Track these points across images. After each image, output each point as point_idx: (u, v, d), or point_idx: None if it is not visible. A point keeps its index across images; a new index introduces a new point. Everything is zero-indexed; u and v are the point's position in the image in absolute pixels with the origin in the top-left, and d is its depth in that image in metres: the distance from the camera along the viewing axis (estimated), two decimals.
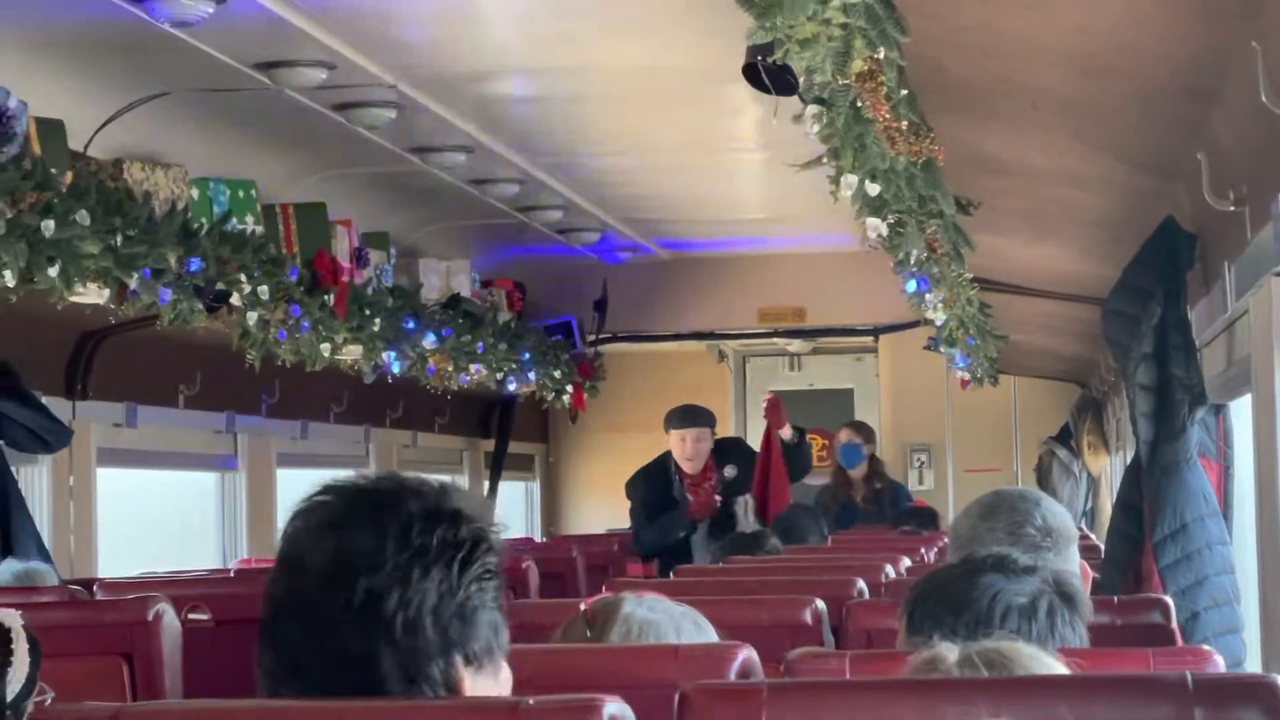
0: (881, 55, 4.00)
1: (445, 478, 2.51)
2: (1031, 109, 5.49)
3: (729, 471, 10.88)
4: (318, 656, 2.33)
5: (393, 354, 9.58)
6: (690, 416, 10.97)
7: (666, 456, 10.96)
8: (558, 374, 12.73)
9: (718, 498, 10.80)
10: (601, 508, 13.10)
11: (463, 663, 2.36)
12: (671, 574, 6.50)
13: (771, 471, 10.78)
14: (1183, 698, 2.45)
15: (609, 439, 14.01)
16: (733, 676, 3.20)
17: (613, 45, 7.32)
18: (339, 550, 2.33)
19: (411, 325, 9.80)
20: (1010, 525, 3.96)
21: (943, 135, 5.18)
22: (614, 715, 2.31)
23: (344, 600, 2.32)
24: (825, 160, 5.16)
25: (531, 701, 2.33)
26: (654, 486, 10.88)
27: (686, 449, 10.85)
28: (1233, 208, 5.11)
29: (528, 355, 12.01)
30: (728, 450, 11.11)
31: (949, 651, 2.59)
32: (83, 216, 6.30)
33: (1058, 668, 2.64)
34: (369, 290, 9.33)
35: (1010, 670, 2.57)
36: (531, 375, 12.15)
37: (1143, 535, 6.33)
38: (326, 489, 2.41)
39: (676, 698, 2.52)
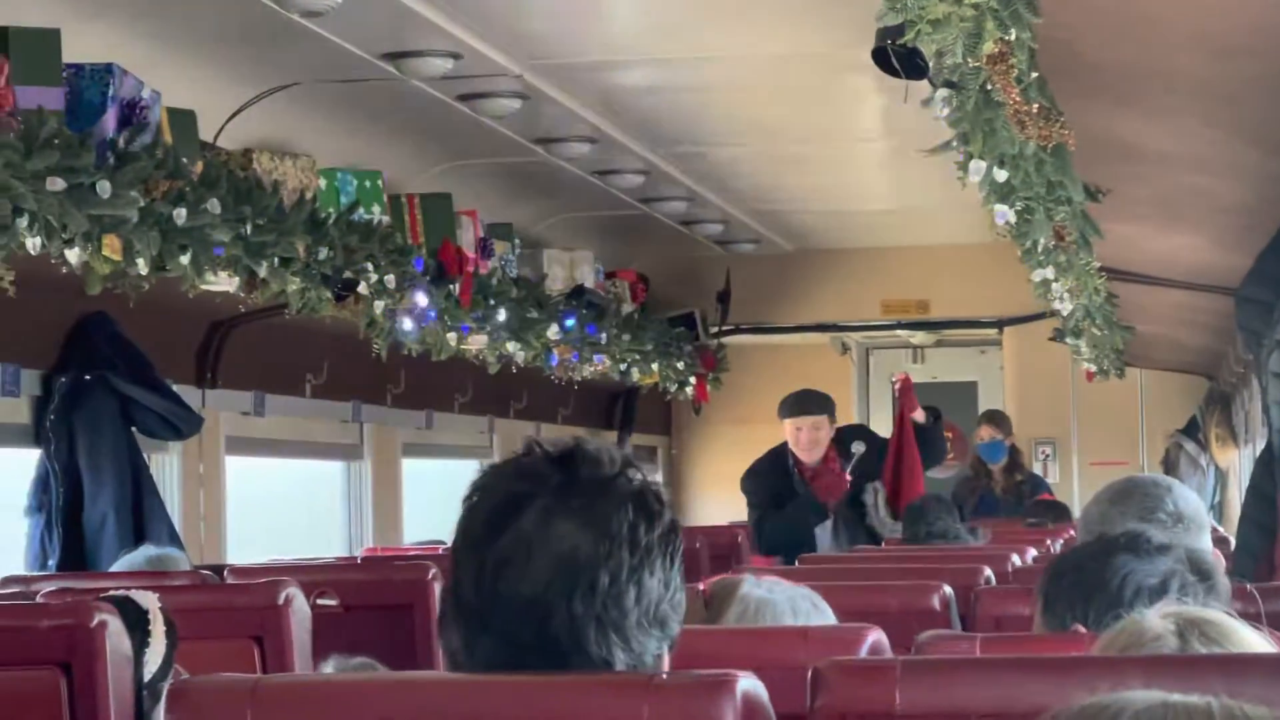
0: (1013, 37, 3.97)
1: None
2: (1164, 93, 5.43)
3: (856, 447, 10.00)
4: (549, 656, 2.36)
5: (517, 344, 9.62)
6: (805, 403, 10.01)
7: (783, 448, 10.07)
8: (680, 365, 12.73)
9: (847, 476, 9.92)
10: (724, 500, 13.06)
11: (668, 646, 2.42)
12: (796, 562, 6.49)
13: (904, 457, 10.03)
14: None
15: (731, 431, 13.97)
16: (863, 656, 3.19)
17: (736, 34, 7.31)
18: (572, 553, 2.35)
19: (535, 316, 9.84)
20: (1142, 510, 3.93)
21: (1072, 120, 5.13)
22: (747, 691, 2.31)
23: (583, 602, 2.35)
24: (954, 145, 5.13)
25: (665, 676, 2.33)
26: (772, 481, 10.03)
27: (802, 439, 9.91)
28: None
29: (651, 346, 12.01)
30: (852, 436, 10.28)
31: (1158, 619, 2.56)
32: (213, 205, 6.36)
33: (1262, 644, 2.59)
34: (494, 280, 9.37)
35: (1224, 645, 2.53)
36: (655, 367, 12.15)
37: (1276, 524, 6.26)
38: (523, 476, 2.41)
39: (809, 675, 2.51)
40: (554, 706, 2.33)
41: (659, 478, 15.05)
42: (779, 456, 10.11)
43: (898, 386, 10.35)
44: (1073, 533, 8.97)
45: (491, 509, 2.40)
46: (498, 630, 2.37)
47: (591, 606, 2.35)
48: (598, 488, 2.40)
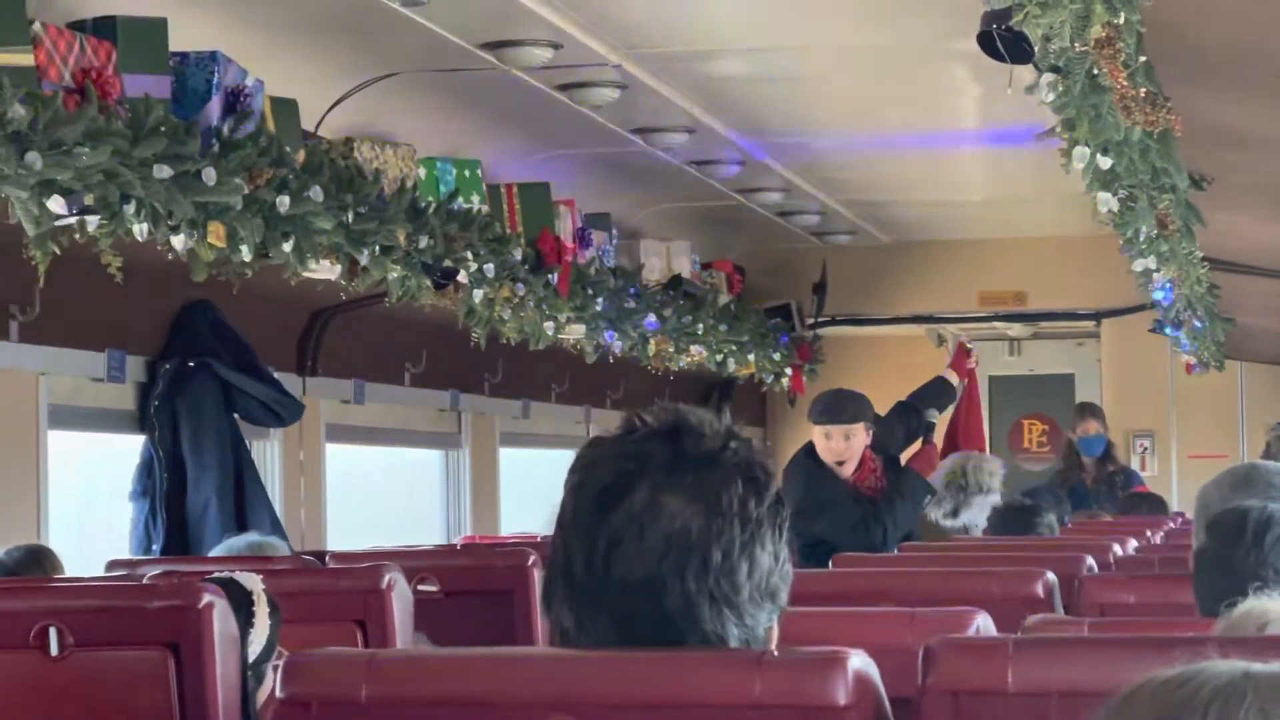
0: (1121, 20, 3.95)
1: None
2: (1272, 77, 5.38)
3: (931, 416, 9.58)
4: (666, 629, 2.36)
5: (614, 334, 9.63)
6: (836, 408, 9.06)
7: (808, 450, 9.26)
8: (776, 356, 12.72)
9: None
10: None
11: (778, 616, 2.43)
12: (896, 549, 6.47)
13: (970, 414, 10.13)
14: None
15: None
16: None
17: (833, 23, 7.29)
18: (685, 530, 2.35)
19: (633, 305, 9.85)
20: (1264, 499, 3.90)
21: (1178, 105, 5.10)
22: (858, 669, 2.31)
23: (696, 579, 2.34)
24: (1058, 131, 5.10)
25: (776, 654, 2.33)
26: (815, 480, 9.03)
27: (834, 448, 9.02)
28: None
29: (747, 337, 12.00)
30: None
31: (1276, 606, 2.54)
32: (316, 193, 6.40)
33: None
34: (591, 270, 9.38)
35: None
36: (751, 357, 12.14)
37: None
38: (625, 453, 2.41)
39: (921, 653, 2.51)
40: (665, 683, 2.34)
41: None
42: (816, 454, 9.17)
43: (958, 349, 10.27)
44: (1171, 525, 8.92)
45: (601, 488, 2.39)
46: (611, 608, 2.37)
47: (705, 583, 2.35)
48: (705, 462, 2.39)
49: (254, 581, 4.15)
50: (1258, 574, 3.15)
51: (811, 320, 13.48)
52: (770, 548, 2.40)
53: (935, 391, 10.23)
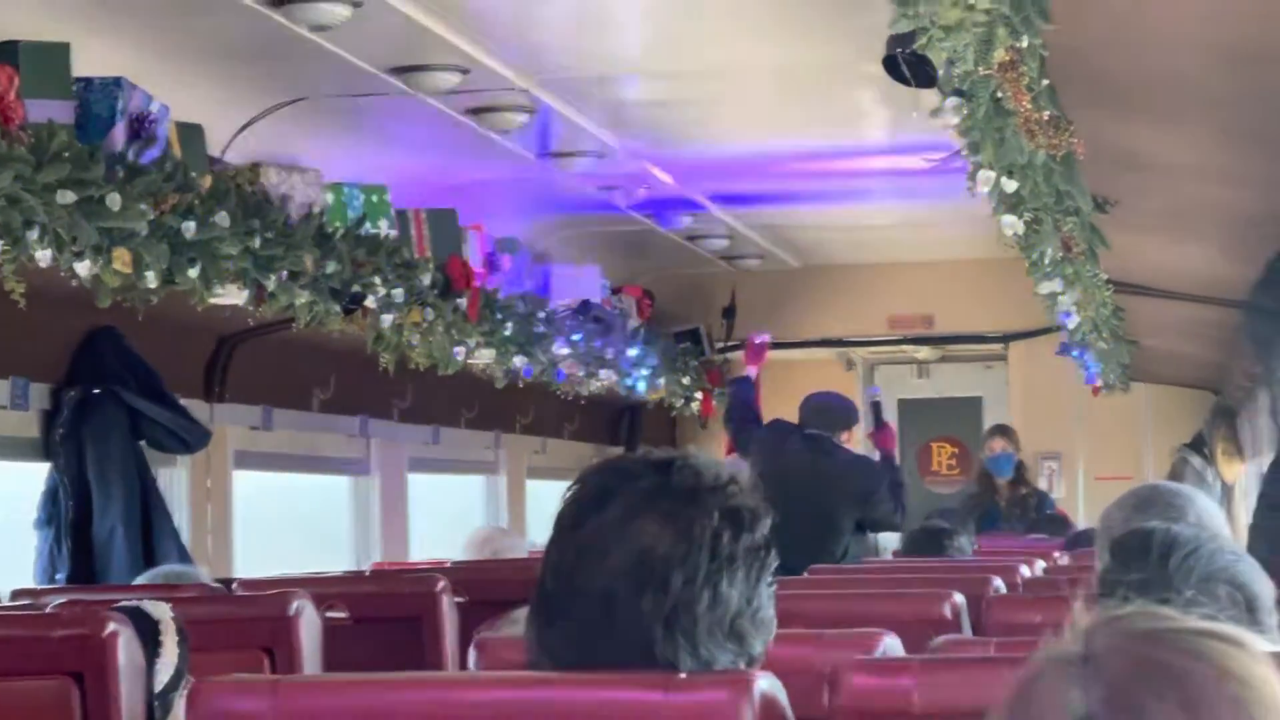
0: (1024, 44, 3.98)
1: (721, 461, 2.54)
2: (1174, 101, 5.44)
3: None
4: (617, 649, 2.36)
5: (524, 359, 9.63)
6: (821, 418, 10.45)
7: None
8: (686, 381, 12.74)
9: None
10: None
11: (745, 664, 2.41)
12: (806, 573, 6.48)
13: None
14: None
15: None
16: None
17: (740, 47, 7.31)
18: (649, 550, 2.36)
19: (542, 330, 9.84)
20: (1165, 520, 3.92)
21: (1081, 129, 5.14)
22: (765, 690, 2.32)
23: (653, 604, 2.34)
24: (963, 154, 5.13)
25: (683, 675, 2.33)
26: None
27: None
28: None
29: (657, 361, 12.02)
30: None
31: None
32: (222, 219, 6.38)
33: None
34: (500, 295, 9.37)
35: None
36: (660, 382, 12.16)
37: None
38: (617, 473, 2.44)
39: (828, 674, 2.52)
40: (571, 702, 2.34)
41: None
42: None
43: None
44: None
45: (580, 499, 2.43)
46: (571, 619, 2.38)
47: (661, 605, 2.35)
48: (688, 494, 2.40)
49: (161, 610, 4.11)
50: (1163, 596, 3.17)
51: (721, 344, 13.51)
52: (741, 588, 2.38)
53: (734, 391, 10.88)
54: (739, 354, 13.67)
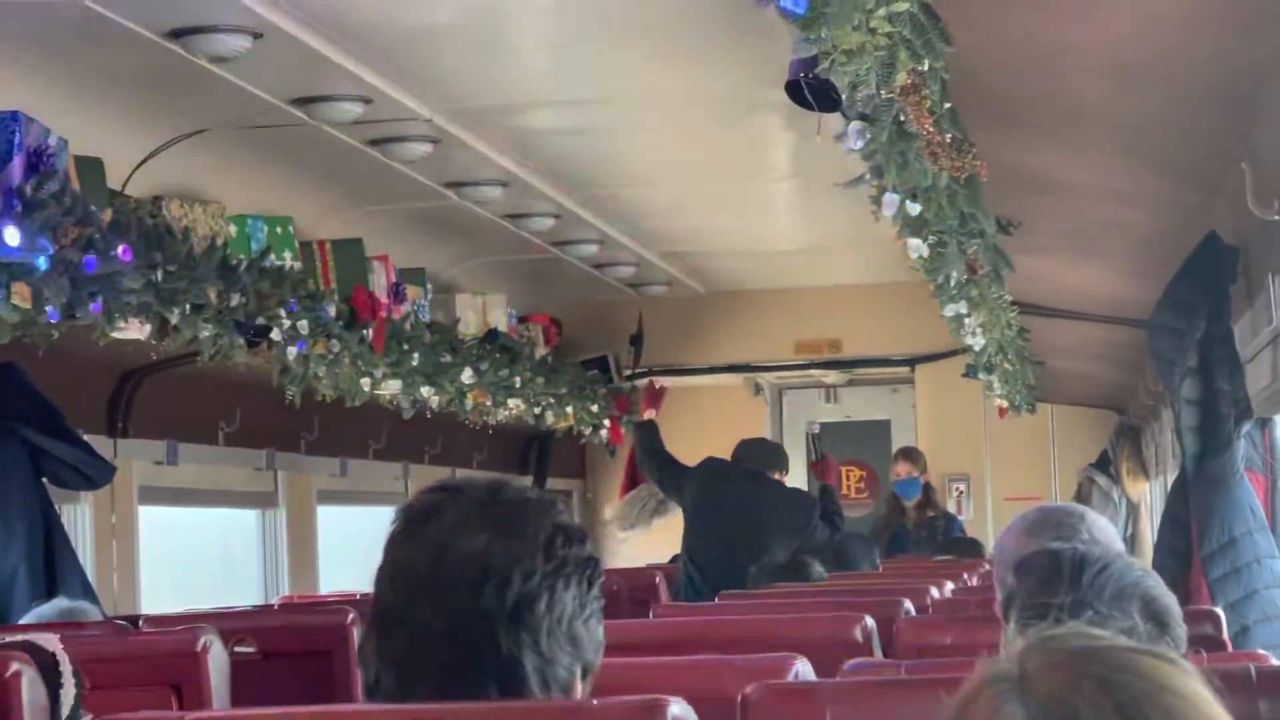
0: (926, 67, 3.99)
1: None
2: (1075, 123, 5.47)
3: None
4: (459, 649, 2.37)
5: (431, 389, 9.59)
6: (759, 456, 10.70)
7: None
8: (595, 409, 12.73)
9: None
10: (641, 542, 13.06)
11: (580, 673, 2.44)
12: (717, 598, 6.48)
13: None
14: (1247, 690, 2.44)
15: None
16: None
17: (642, 75, 7.32)
18: (491, 552, 2.39)
19: (449, 360, 9.81)
20: (1056, 541, 3.93)
21: (984, 151, 5.17)
22: (677, 716, 2.31)
23: (496, 601, 2.37)
24: (867, 178, 5.15)
25: (595, 703, 2.32)
26: None
27: None
28: (1277, 217, 5.09)
29: (565, 390, 12.00)
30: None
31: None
32: (124, 252, 6.32)
33: None
34: (407, 325, 9.34)
35: None
36: (569, 410, 12.14)
37: (1191, 550, 6.30)
38: (445, 489, 2.48)
39: (739, 700, 2.51)
40: None
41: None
42: None
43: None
44: (987, 566, 9.02)
45: (411, 516, 2.45)
46: (410, 626, 2.39)
47: (503, 604, 2.37)
48: (518, 505, 2.44)
49: (51, 640, 4.05)
50: (1076, 616, 3.17)
51: (629, 371, 13.51)
52: (575, 594, 2.42)
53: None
54: (647, 381, 13.70)
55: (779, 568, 7.85)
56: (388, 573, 2.43)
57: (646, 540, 12.79)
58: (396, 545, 2.45)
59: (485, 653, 2.36)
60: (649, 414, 11.47)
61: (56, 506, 7.44)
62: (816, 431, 12.40)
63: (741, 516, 10.18)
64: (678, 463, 10.91)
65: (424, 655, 2.38)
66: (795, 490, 11.30)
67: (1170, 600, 3.27)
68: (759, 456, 10.60)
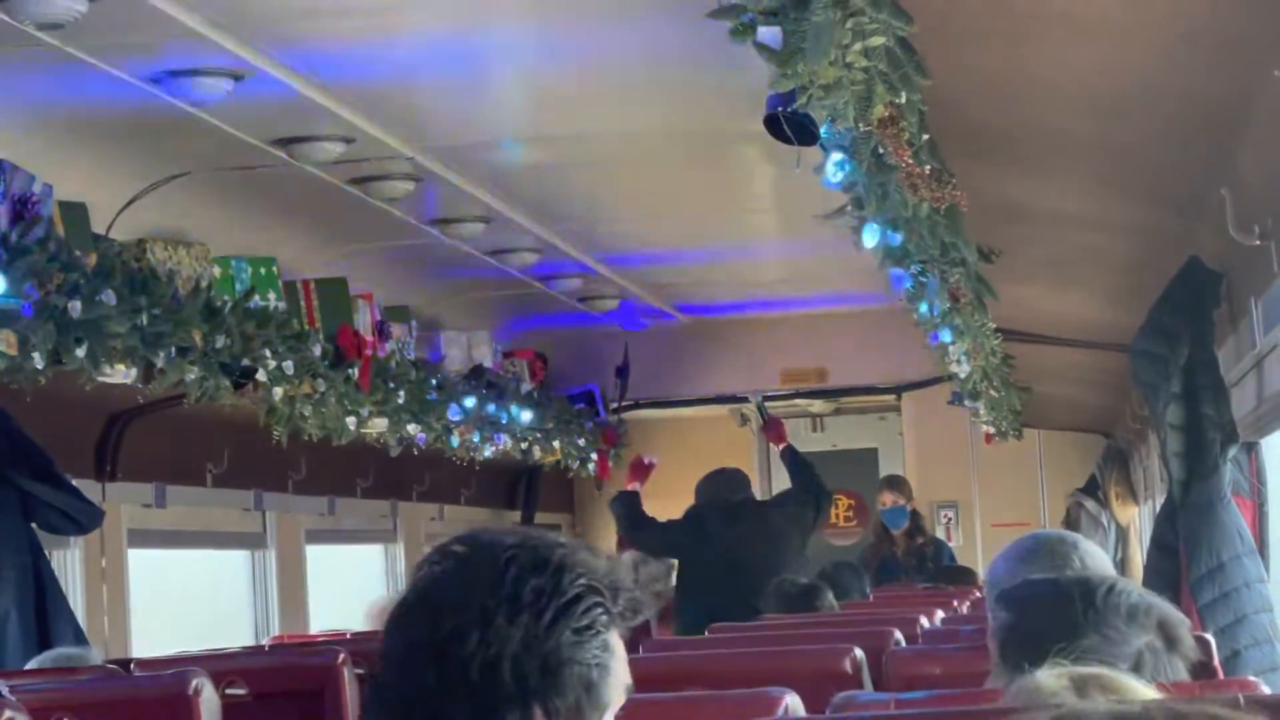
0: (903, 99, 4.01)
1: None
2: (1053, 152, 5.50)
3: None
4: (400, 689, 2.35)
5: (417, 426, 9.59)
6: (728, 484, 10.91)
7: None
8: (581, 442, 12.73)
9: None
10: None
11: (542, 715, 2.33)
12: (708, 631, 6.48)
13: None
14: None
15: None
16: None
17: (622, 109, 7.33)
18: (431, 588, 2.37)
19: (435, 397, 9.82)
20: (1049, 569, 3.94)
21: (964, 182, 5.19)
22: None
23: (429, 635, 2.32)
24: (847, 209, 5.17)
25: None
26: None
27: None
28: (1258, 242, 5.12)
29: (551, 424, 12.01)
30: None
31: (1051, 679, 2.55)
32: (109, 296, 6.33)
33: (1150, 694, 2.59)
34: (392, 363, 9.35)
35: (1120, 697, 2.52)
36: (556, 444, 12.15)
37: (1180, 575, 6.31)
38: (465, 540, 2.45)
39: None
40: None
41: None
42: None
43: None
44: (977, 593, 9.03)
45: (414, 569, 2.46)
46: (397, 668, 2.37)
47: (436, 639, 2.33)
48: (486, 547, 2.39)
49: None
50: (1093, 639, 3.16)
51: (615, 404, 13.51)
52: (527, 628, 2.33)
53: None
54: (634, 413, 13.71)
55: (791, 596, 7.84)
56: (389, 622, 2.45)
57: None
58: (399, 608, 2.45)
59: (419, 694, 2.32)
60: (633, 486, 11.45)
61: (46, 551, 7.43)
62: (760, 400, 12.52)
63: (740, 538, 10.45)
64: (661, 523, 11.04)
65: (380, 705, 2.39)
66: (763, 499, 11.78)
67: (1178, 614, 3.29)
68: (729, 484, 10.89)
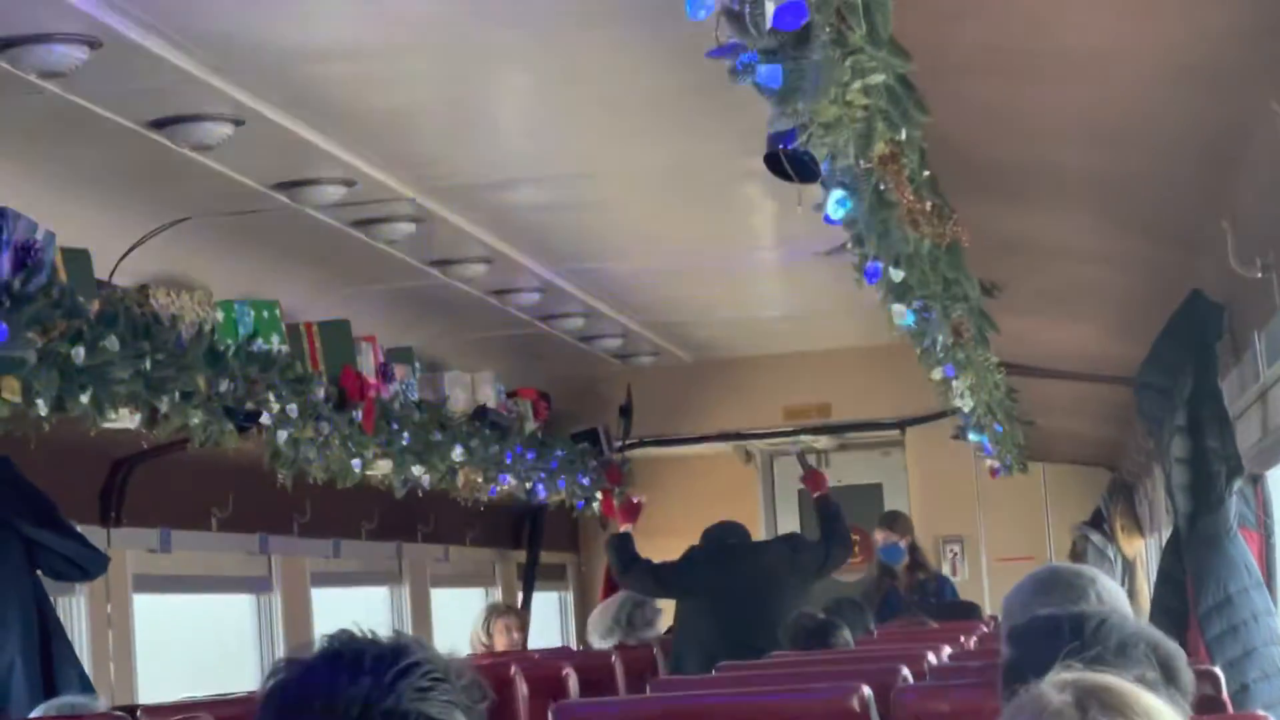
0: (903, 136, 4.02)
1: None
2: (1054, 186, 5.51)
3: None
4: None
5: (421, 468, 9.59)
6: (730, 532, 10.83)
7: None
8: (586, 482, 12.72)
9: None
10: None
11: None
12: (714, 670, 6.47)
13: None
14: None
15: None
16: None
17: (622, 149, 7.35)
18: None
19: (439, 438, 9.82)
20: (1065, 602, 3.92)
21: (965, 217, 5.20)
22: None
23: None
24: (849, 246, 5.17)
25: None
26: None
27: None
28: (1260, 274, 5.12)
29: (555, 464, 12.00)
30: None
31: (1054, 691, 2.53)
32: (112, 343, 6.33)
33: (1168, 712, 2.56)
34: (396, 405, 9.35)
35: (1125, 714, 2.50)
36: (560, 484, 12.14)
37: (1187, 608, 6.30)
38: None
39: None
40: None
41: (569, 595, 15.00)
42: None
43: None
44: (984, 629, 9.01)
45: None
46: None
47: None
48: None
49: None
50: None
51: (619, 443, 13.51)
52: (384, 697, 2.36)
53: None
54: (638, 451, 13.70)
55: (807, 632, 7.81)
56: None
57: None
58: None
59: None
60: (625, 527, 11.44)
61: (51, 598, 7.42)
62: (800, 452, 12.49)
63: (736, 582, 10.33)
64: (652, 564, 11.02)
65: None
66: (779, 538, 11.68)
67: (1174, 646, 3.27)
68: (728, 530, 10.78)
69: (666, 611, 11.17)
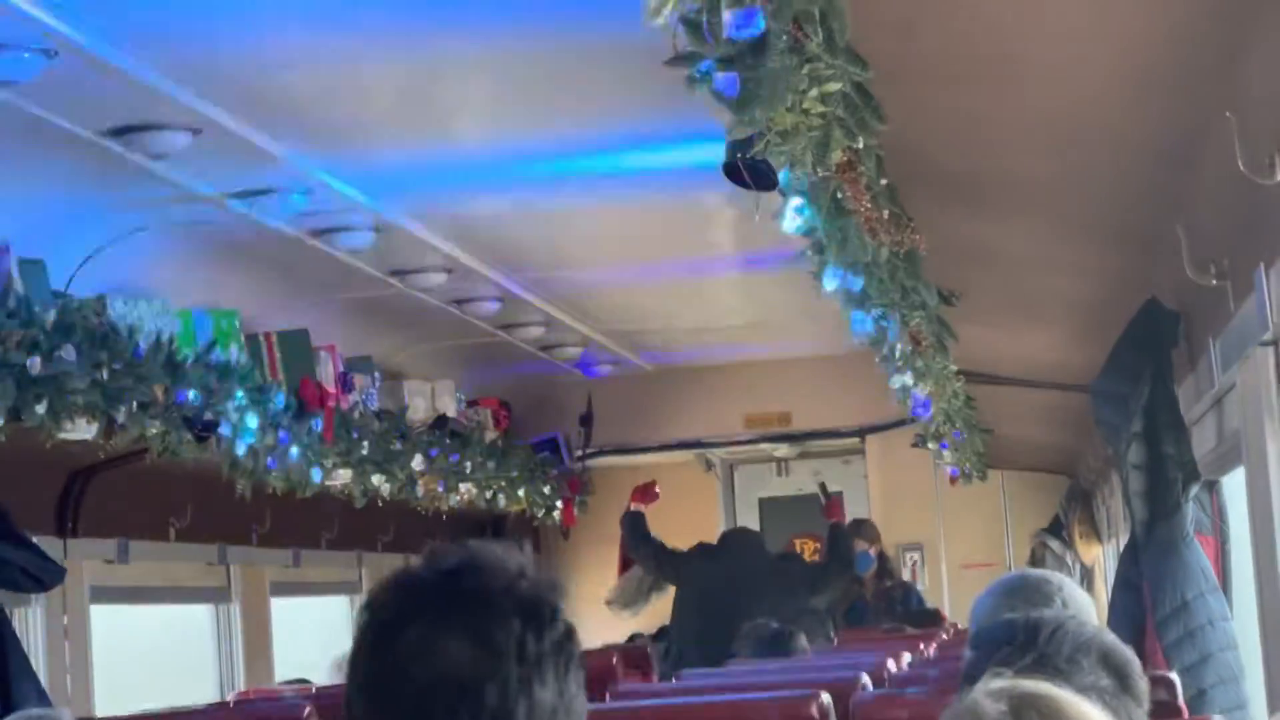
0: (861, 144, 4.03)
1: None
2: (1010, 194, 5.52)
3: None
4: None
5: (382, 477, 9.57)
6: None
7: None
8: (547, 490, 12.72)
9: None
10: (597, 622, 13.00)
11: None
12: (675, 678, 6.46)
13: None
14: None
15: (601, 552, 13.94)
16: None
17: (585, 158, 7.35)
18: (456, 669, 2.29)
19: (399, 448, 9.80)
20: (1029, 608, 3.93)
21: (924, 224, 5.20)
22: None
23: (469, 717, 2.28)
24: (808, 254, 5.18)
25: None
26: None
27: None
28: (1214, 281, 5.14)
29: (516, 473, 11.99)
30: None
31: (989, 700, 2.53)
32: (69, 352, 6.31)
33: (1100, 716, 2.56)
34: (355, 414, 9.33)
35: None
36: (521, 493, 12.13)
37: (1144, 614, 6.32)
38: (406, 587, 2.37)
39: None
40: None
41: None
42: None
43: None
44: (945, 635, 9.03)
45: (378, 626, 2.35)
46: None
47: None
48: (481, 602, 2.34)
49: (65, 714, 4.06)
50: (1038, 676, 3.16)
51: (580, 452, 13.51)
52: (554, 685, 2.31)
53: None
54: (599, 460, 13.71)
55: (764, 640, 7.83)
56: (357, 688, 2.34)
57: (609, 618, 12.77)
58: (361, 660, 2.35)
59: None
60: (637, 507, 11.80)
61: (7, 610, 7.39)
62: (822, 482, 12.76)
63: (724, 582, 10.75)
64: (663, 547, 11.39)
65: None
66: (785, 554, 12.26)
67: (1129, 653, 3.27)
68: (742, 537, 11.48)
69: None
